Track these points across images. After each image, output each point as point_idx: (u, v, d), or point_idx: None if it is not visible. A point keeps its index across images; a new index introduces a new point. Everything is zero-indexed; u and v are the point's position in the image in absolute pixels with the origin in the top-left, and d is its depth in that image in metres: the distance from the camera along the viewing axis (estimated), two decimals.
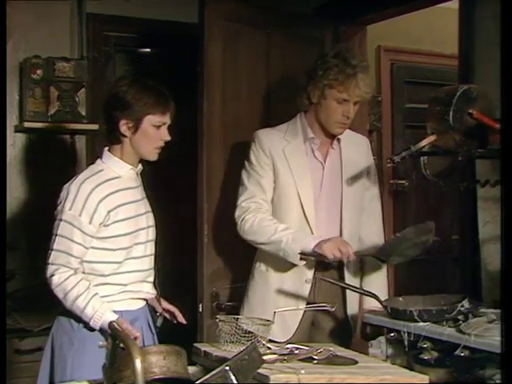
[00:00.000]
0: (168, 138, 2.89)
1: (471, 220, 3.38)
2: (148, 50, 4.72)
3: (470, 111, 2.76)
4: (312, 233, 3.12)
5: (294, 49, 3.95)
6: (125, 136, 2.84)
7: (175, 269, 4.46)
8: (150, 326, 2.96)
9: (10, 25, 4.04)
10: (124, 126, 2.83)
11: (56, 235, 2.79)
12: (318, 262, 3.12)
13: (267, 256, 3.19)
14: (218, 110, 3.63)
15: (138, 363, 1.71)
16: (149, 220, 2.97)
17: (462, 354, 2.50)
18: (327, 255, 2.97)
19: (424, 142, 2.82)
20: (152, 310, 3.00)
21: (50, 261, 2.78)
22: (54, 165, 4.13)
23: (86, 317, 2.74)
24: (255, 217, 3.14)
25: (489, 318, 2.65)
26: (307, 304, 3.10)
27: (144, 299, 2.94)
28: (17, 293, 3.94)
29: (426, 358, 2.62)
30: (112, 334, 1.90)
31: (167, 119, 2.88)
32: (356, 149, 3.27)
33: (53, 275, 2.76)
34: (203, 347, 2.53)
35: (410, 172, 4.71)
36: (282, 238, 3.06)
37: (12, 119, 4.12)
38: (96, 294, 2.76)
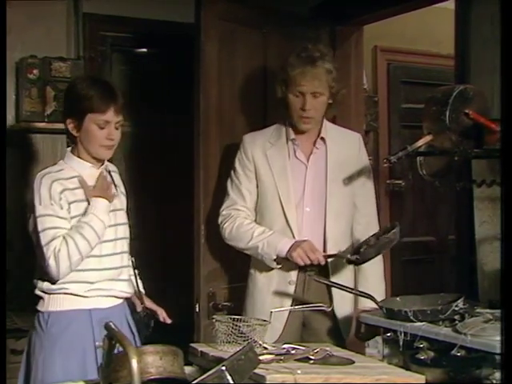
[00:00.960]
0: (113, 137, 2.87)
1: (467, 220, 3.38)
2: (144, 50, 4.71)
3: (467, 111, 2.76)
4: (293, 235, 3.13)
5: (290, 49, 3.92)
6: (73, 135, 2.87)
7: (171, 268, 4.48)
8: (129, 326, 2.95)
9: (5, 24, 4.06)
10: (70, 125, 2.86)
11: (39, 232, 2.78)
12: None
13: (254, 259, 3.24)
14: (214, 110, 3.63)
15: (134, 363, 1.70)
16: (117, 218, 2.95)
17: (459, 354, 2.50)
18: (298, 262, 3.04)
19: (420, 142, 2.82)
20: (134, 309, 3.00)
21: (46, 256, 2.75)
22: (50, 164, 4.11)
23: (100, 230, 2.79)
24: (233, 223, 3.20)
25: (485, 318, 2.65)
26: (294, 305, 3.10)
27: (116, 297, 2.92)
28: (12, 293, 3.93)
29: (422, 357, 2.62)
30: (108, 334, 1.90)
31: (111, 117, 2.85)
32: (345, 147, 3.24)
33: (55, 254, 2.74)
34: (200, 347, 2.53)
35: (407, 172, 4.73)
36: (258, 244, 3.12)
37: (8, 119, 4.11)
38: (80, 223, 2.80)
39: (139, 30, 4.47)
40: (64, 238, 2.76)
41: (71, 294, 2.82)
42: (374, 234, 3.08)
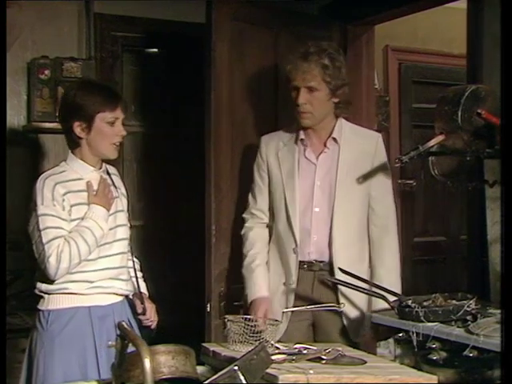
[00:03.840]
0: (124, 132, 2.95)
1: (479, 220, 3.36)
2: (155, 49, 4.72)
3: (479, 111, 2.75)
4: (294, 238, 3.13)
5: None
6: (81, 138, 2.91)
7: (183, 269, 4.48)
8: (130, 324, 2.96)
9: (17, 25, 4.07)
10: (78, 128, 2.89)
11: (40, 231, 2.82)
12: (301, 263, 3.15)
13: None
14: (225, 110, 3.63)
15: (147, 363, 1.70)
16: (117, 220, 2.98)
17: (471, 355, 2.48)
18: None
19: (432, 142, 2.81)
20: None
21: (47, 254, 2.79)
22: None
23: (99, 236, 2.84)
24: (246, 234, 3.31)
25: (497, 319, 2.64)
26: (296, 304, 3.10)
27: (116, 294, 2.95)
28: (24, 292, 3.94)
29: (434, 358, 2.61)
30: (121, 333, 1.90)
31: (119, 114, 2.93)
32: (360, 146, 3.19)
33: (57, 254, 2.78)
34: (211, 347, 2.53)
35: (419, 172, 4.72)
36: (244, 271, 3.27)
37: (20, 119, 4.13)
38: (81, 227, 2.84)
39: (150, 30, 4.48)
40: (66, 239, 2.80)
41: (71, 293, 2.86)
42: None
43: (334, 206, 3.13)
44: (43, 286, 2.87)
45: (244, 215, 3.33)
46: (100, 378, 2.65)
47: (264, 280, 3.22)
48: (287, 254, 3.18)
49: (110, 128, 2.90)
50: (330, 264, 3.13)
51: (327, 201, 3.15)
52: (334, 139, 3.18)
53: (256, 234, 3.29)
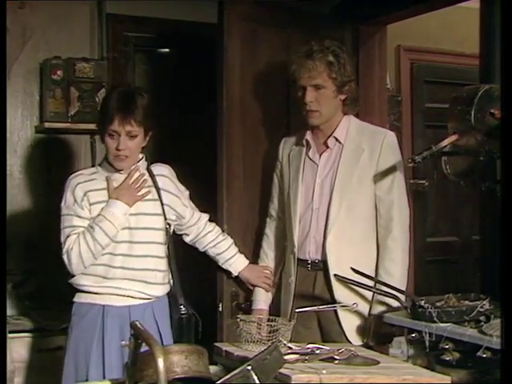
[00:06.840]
0: (120, 147, 2.92)
1: (492, 220, 3.36)
2: (167, 50, 4.73)
3: (492, 111, 2.73)
4: (293, 238, 3.18)
5: None
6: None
7: (195, 269, 4.48)
8: (158, 326, 2.99)
9: (29, 26, 4.08)
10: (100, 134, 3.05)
11: (61, 230, 2.96)
12: (302, 262, 3.18)
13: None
14: (237, 110, 3.62)
15: (160, 362, 1.70)
16: (140, 221, 2.99)
17: (484, 356, 2.47)
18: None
19: (445, 142, 2.80)
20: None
21: (62, 252, 2.93)
22: (74, 165, 4.15)
23: (110, 232, 2.89)
24: (263, 241, 3.47)
25: None
26: (295, 302, 3.15)
27: (133, 297, 2.97)
28: (36, 292, 3.95)
29: (447, 358, 2.60)
30: (134, 332, 1.90)
31: (116, 127, 2.91)
32: (363, 145, 3.13)
33: (68, 252, 2.91)
34: (224, 347, 2.53)
35: (431, 172, 4.71)
36: None
37: (32, 120, 4.14)
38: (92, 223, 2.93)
39: (162, 30, 4.48)
40: (78, 236, 2.89)
41: (83, 290, 2.96)
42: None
43: (329, 206, 3.12)
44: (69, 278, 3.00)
45: (268, 214, 3.43)
46: (103, 377, 2.70)
47: (264, 294, 3.38)
48: (288, 252, 3.24)
49: (110, 141, 2.94)
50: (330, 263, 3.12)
51: (327, 201, 3.14)
52: (336, 138, 3.17)
53: (268, 244, 3.43)
